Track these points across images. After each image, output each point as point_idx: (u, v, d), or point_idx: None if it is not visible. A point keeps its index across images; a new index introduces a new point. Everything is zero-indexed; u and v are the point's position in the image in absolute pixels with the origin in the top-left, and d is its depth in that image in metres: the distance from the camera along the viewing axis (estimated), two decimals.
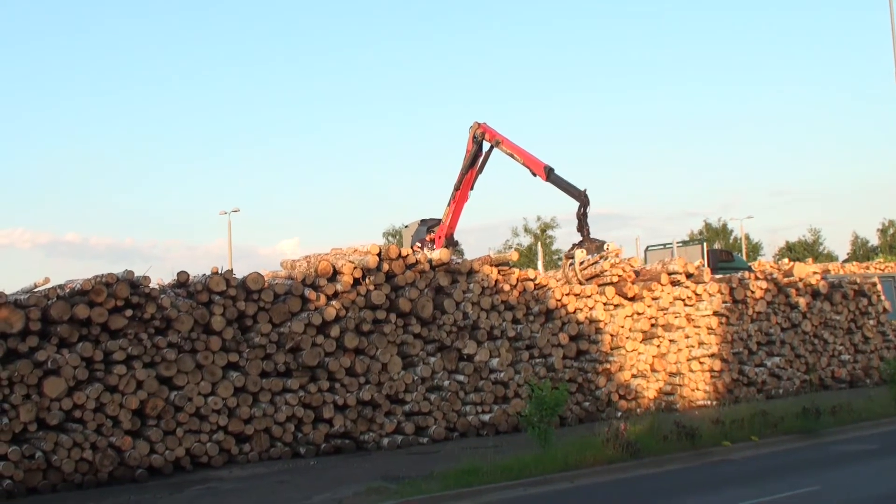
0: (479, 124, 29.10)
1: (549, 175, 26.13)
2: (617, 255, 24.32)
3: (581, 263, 24.28)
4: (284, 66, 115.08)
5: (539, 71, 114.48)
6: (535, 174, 26.68)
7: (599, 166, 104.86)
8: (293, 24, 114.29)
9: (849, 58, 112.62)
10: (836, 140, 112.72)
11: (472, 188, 30.37)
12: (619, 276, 23.80)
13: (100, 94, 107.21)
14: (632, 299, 23.88)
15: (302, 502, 13.89)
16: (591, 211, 25.57)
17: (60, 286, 17.63)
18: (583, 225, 25.49)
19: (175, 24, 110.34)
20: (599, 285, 23.75)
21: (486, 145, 29.19)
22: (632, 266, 24.54)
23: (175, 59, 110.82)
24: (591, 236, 25.25)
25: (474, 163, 29.73)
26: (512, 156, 27.74)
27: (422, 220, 33.52)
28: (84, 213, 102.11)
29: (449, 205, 30.64)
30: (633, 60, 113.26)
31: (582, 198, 25.60)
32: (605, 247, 24.59)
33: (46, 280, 18.16)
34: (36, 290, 17.71)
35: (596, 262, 24.11)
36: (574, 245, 25.62)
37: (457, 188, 30.30)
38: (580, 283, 23.96)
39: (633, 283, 24.03)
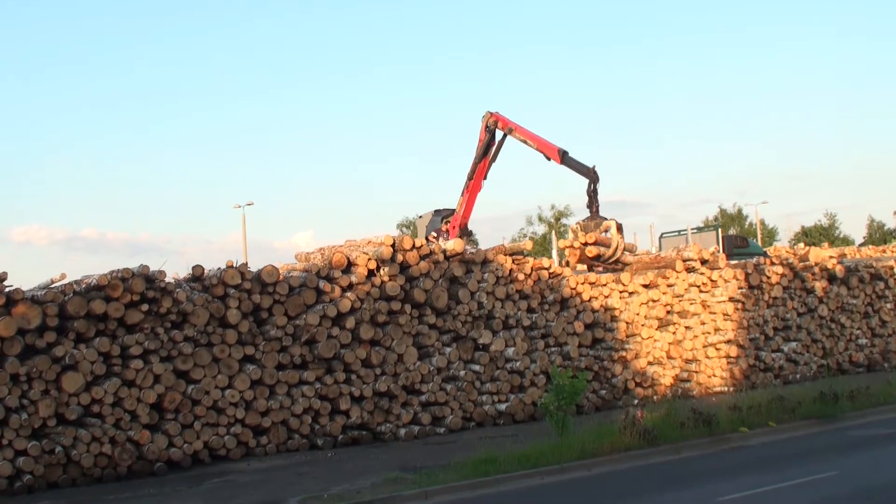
0: (491, 113, 29.21)
1: (564, 158, 26.54)
2: (619, 233, 25.03)
3: (575, 238, 25.18)
4: (297, 60, 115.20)
5: (552, 58, 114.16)
6: (549, 158, 27.05)
7: (613, 153, 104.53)
8: (305, 17, 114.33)
9: (865, 39, 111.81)
10: (852, 123, 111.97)
11: (485, 178, 30.42)
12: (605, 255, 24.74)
13: (114, 89, 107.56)
14: (647, 286, 23.86)
15: (320, 494, 13.93)
16: (603, 194, 26.22)
17: (77, 281, 17.71)
18: (592, 201, 26.05)
19: (188, 17, 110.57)
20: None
21: (499, 134, 29.32)
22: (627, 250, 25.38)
23: (189, 52, 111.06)
24: (600, 214, 25.60)
25: (487, 152, 29.82)
26: (525, 142, 27.98)
27: (436, 211, 33.58)
28: (100, 208, 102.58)
29: (462, 194, 30.66)
30: (646, 46, 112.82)
31: (591, 175, 26.05)
32: (604, 225, 24.90)
33: (63, 276, 18.24)
34: (53, 285, 17.80)
35: (593, 241, 24.90)
36: (578, 222, 26.04)
37: (470, 178, 30.35)
38: (577, 261, 24.98)
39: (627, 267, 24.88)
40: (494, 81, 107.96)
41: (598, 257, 24.88)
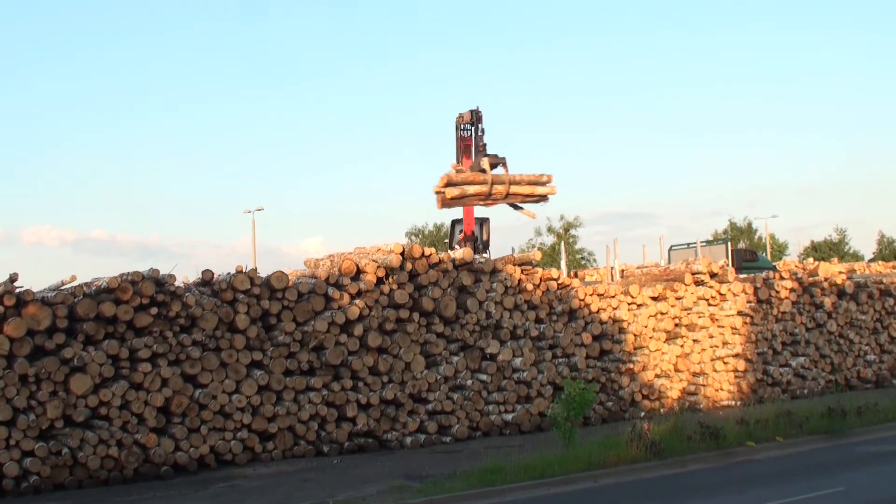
0: (460, 114, 29.68)
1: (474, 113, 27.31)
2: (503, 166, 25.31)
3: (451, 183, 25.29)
4: (306, 66, 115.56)
5: (562, 69, 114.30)
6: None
7: (623, 165, 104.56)
8: (312, 25, 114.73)
9: (878, 52, 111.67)
10: (864, 138, 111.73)
11: None
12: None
13: (125, 91, 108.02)
14: (655, 298, 23.86)
15: (325, 500, 13.94)
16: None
17: (87, 284, 17.79)
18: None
19: (199, 22, 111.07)
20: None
21: (469, 129, 29.74)
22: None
23: (199, 56, 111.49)
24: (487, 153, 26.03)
25: (467, 150, 30.07)
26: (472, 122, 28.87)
27: (454, 221, 33.60)
28: (110, 210, 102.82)
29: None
30: (655, 57, 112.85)
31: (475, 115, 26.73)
32: (482, 161, 25.31)
33: (73, 278, 18.31)
34: (63, 287, 17.87)
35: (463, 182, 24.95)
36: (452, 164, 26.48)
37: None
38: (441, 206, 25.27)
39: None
40: (507, 89, 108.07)
41: (461, 197, 24.88)
